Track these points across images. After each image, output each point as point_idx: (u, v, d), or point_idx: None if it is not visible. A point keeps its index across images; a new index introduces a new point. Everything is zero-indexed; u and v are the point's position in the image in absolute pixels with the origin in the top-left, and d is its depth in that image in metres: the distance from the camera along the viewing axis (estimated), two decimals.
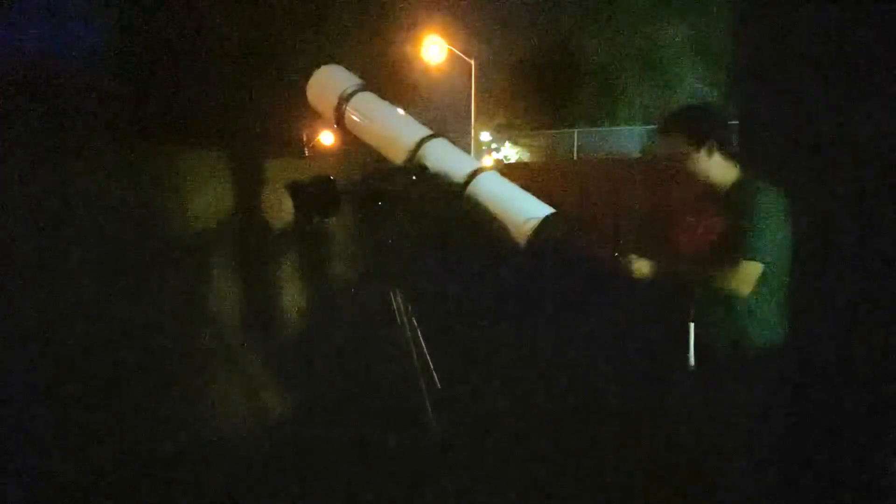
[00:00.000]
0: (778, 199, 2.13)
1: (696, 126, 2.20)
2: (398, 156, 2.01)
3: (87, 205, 2.57)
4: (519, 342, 4.33)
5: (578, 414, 3.45)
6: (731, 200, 2.16)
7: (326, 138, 19.06)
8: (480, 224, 1.93)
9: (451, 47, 18.22)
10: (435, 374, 2.08)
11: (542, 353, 4.28)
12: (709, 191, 2.22)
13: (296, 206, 2.12)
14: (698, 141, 2.17)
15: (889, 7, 2.51)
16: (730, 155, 2.21)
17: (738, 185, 2.19)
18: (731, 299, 2.12)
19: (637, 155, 15.24)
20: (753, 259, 2.08)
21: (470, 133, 18.71)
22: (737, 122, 2.96)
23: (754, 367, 2.16)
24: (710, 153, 2.18)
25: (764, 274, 2.09)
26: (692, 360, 2.17)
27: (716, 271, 2.13)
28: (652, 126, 15.90)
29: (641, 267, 2.20)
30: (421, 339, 2.07)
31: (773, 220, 2.11)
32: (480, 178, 1.92)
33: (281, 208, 3.27)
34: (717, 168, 2.20)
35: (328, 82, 2.19)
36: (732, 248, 2.09)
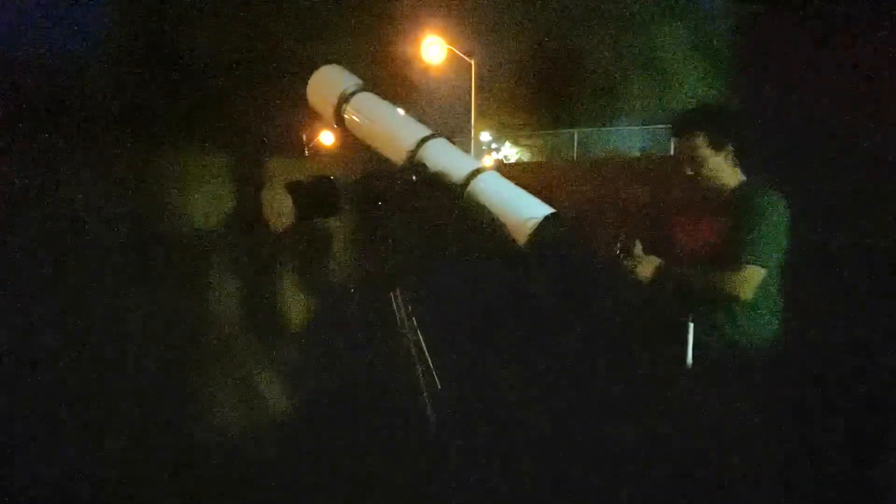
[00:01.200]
0: (782, 206, 2.12)
1: (719, 128, 2.16)
2: (398, 156, 2.00)
3: (86, 204, 2.57)
4: (519, 342, 4.32)
5: (577, 413, 3.45)
6: (735, 205, 2.14)
7: (326, 138, 19.03)
8: (480, 224, 1.93)
9: (451, 47, 18.18)
10: (435, 374, 2.08)
11: (541, 352, 4.27)
12: (713, 194, 2.21)
13: (296, 207, 2.12)
14: (719, 144, 2.14)
15: (890, 7, 2.51)
16: (738, 160, 2.19)
17: (742, 190, 2.18)
18: (731, 302, 2.12)
19: (637, 155, 15.24)
20: (756, 264, 2.07)
21: (470, 133, 18.68)
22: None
23: (753, 368, 2.16)
24: (726, 157, 2.16)
25: (765, 278, 2.09)
26: (689, 360, 2.16)
27: (717, 274, 2.12)
28: (651, 126, 15.91)
29: (642, 267, 2.20)
30: (421, 339, 2.07)
31: (777, 226, 2.10)
32: (480, 177, 1.91)
33: (281, 208, 3.27)
34: (727, 172, 2.18)
35: (328, 82, 2.18)
36: (735, 253, 2.08)
